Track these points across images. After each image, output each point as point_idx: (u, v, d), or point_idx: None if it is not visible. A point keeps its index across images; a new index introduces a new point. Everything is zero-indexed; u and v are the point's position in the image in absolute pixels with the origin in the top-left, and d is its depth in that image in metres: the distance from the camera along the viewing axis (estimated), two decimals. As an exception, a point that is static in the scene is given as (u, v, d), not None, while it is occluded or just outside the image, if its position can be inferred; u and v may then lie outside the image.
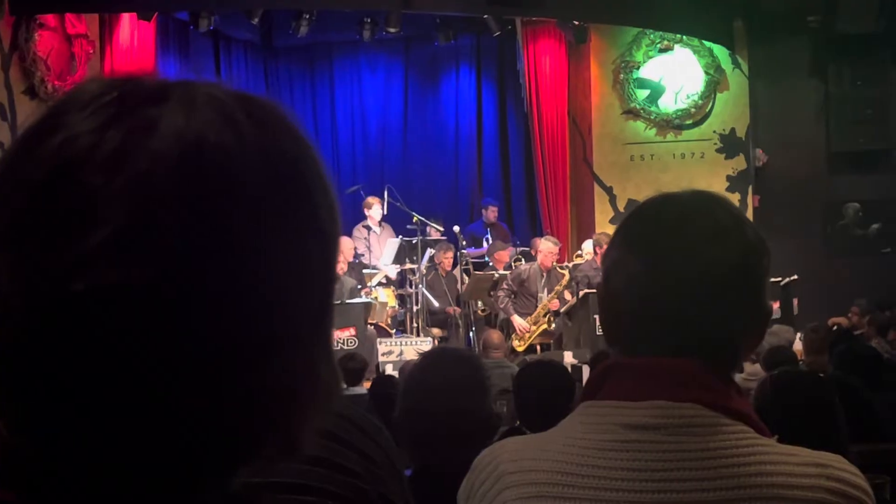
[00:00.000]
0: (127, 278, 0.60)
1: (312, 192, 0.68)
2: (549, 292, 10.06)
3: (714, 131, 12.20)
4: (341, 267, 9.75)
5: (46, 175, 0.62)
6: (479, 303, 10.77)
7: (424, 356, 2.61)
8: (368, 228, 11.16)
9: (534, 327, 10.00)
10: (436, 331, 10.39)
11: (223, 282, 0.62)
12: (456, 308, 10.53)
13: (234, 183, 0.64)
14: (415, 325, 10.41)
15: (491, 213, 11.96)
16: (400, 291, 10.82)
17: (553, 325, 10.06)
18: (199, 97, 0.65)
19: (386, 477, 1.19)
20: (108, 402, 0.61)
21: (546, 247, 10.17)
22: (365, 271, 10.67)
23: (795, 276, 10.29)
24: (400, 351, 9.43)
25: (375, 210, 11.10)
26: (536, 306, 10.04)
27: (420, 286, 10.43)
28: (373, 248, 11.09)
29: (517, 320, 9.97)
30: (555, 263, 10.23)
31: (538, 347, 10.06)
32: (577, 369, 7.86)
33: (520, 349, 9.90)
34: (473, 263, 11.23)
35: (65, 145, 0.62)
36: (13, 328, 0.61)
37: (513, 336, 9.96)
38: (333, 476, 1.14)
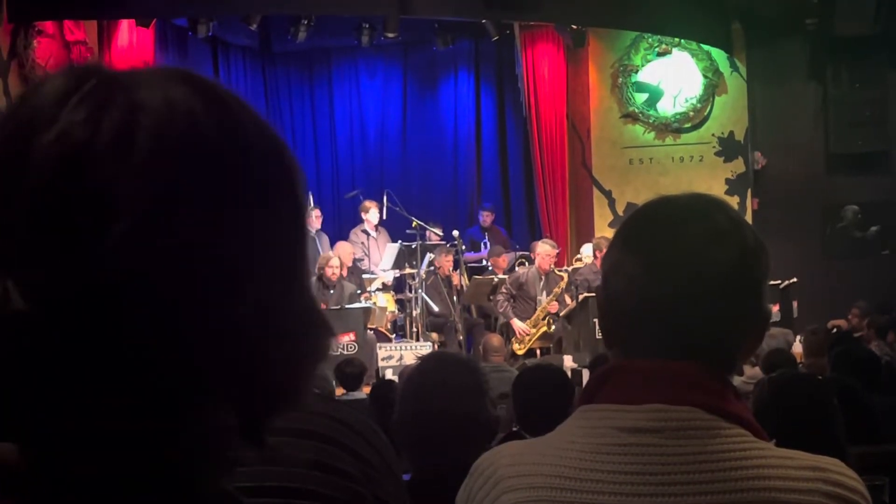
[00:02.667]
0: (160, 255, 0.61)
1: (290, 159, 0.71)
2: (547, 295, 10.07)
3: (713, 134, 12.21)
4: (339, 272, 9.76)
5: (50, 174, 0.62)
6: (473, 307, 10.80)
7: (422, 360, 2.61)
8: (366, 233, 11.18)
9: (533, 330, 10.01)
10: (435, 335, 10.39)
11: (242, 250, 0.65)
12: (458, 319, 10.52)
13: (238, 149, 0.66)
14: (414, 329, 10.41)
15: (487, 218, 11.97)
16: (399, 296, 10.83)
17: (552, 328, 10.07)
18: (167, 75, 0.67)
19: (382, 479, 1.20)
20: (112, 399, 0.62)
21: (543, 249, 10.18)
22: (364, 276, 10.68)
23: (795, 279, 10.30)
24: (400, 356, 9.44)
25: (372, 214, 11.11)
26: (536, 309, 10.05)
27: (419, 290, 10.44)
28: (370, 253, 11.11)
29: (517, 324, 9.98)
30: (553, 266, 10.24)
31: (538, 351, 10.07)
32: (576, 373, 7.86)
33: (520, 352, 9.91)
34: (472, 268, 11.23)
35: (60, 141, 0.62)
36: (21, 336, 0.61)
37: (513, 340, 9.96)
38: (329, 479, 1.15)
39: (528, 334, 10.00)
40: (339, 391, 6.85)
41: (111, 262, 0.60)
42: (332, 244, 10.90)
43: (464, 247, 10.96)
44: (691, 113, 12.20)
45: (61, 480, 0.62)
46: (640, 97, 12.23)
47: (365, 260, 11.07)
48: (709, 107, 12.22)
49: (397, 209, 11.08)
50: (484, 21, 11.46)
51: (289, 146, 0.71)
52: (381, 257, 11.03)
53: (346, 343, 9.10)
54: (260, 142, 0.68)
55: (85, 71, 0.66)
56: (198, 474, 0.65)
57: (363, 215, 11.17)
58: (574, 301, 9.81)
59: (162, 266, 0.61)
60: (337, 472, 1.15)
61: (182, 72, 0.68)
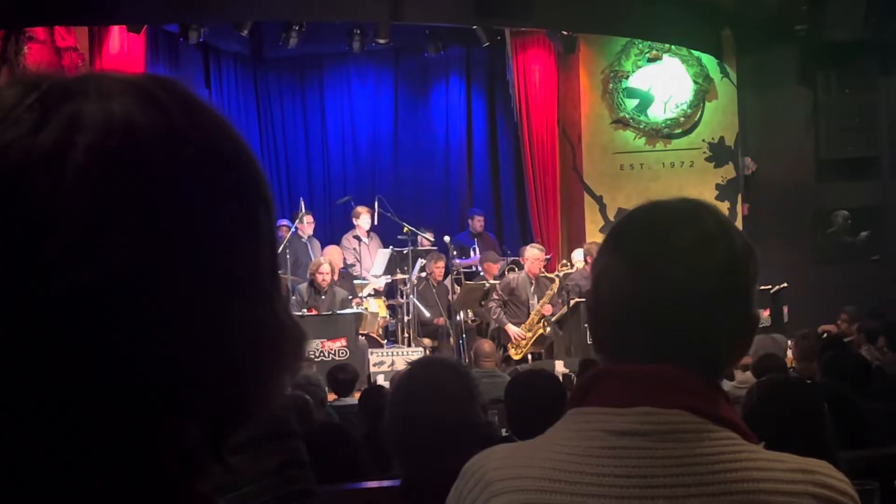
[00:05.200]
0: (102, 271, 0.61)
1: (246, 167, 0.69)
2: (538, 299, 10.07)
3: (703, 140, 12.24)
4: (329, 278, 9.75)
5: None
6: (470, 312, 10.78)
7: (411, 366, 2.62)
8: (358, 239, 11.18)
9: (528, 334, 10.01)
10: (426, 341, 10.39)
11: (189, 255, 0.64)
12: (439, 319, 10.51)
13: (178, 162, 0.65)
14: (406, 335, 10.41)
15: (477, 223, 11.97)
16: (391, 302, 10.83)
17: (548, 330, 10.07)
18: (115, 84, 0.66)
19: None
20: (85, 409, 0.62)
21: (532, 254, 10.19)
22: (356, 282, 10.67)
23: (785, 284, 10.33)
24: (391, 361, 9.42)
25: (364, 220, 11.11)
26: (527, 314, 10.05)
27: (411, 296, 10.44)
28: (362, 258, 11.10)
29: (511, 329, 9.98)
30: (542, 270, 10.25)
31: (529, 357, 10.07)
32: (568, 378, 7.86)
33: (517, 357, 9.91)
34: (464, 273, 11.24)
35: (1, 156, 0.62)
36: None
37: (509, 345, 9.96)
38: (297, 474, 1.16)
39: (524, 339, 10.00)
40: (331, 397, 6.85)
41: (49, 281, 0.60)
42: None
43: (454, 252, 10.96)
44: (682, 119, 12.23)
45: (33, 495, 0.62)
46: (631, 103, 12.25)
47: (357, 265, 11.07)
48: (699, 112, 12.25)
49: (389, 215, 11.08)
50: (475, 27, 11.48)
51: (250, 153, 0.70)
52: (373, 263, 11.03)
53: (337, 349, 9.09)
54: (205, 153, 0.66)
55: (33, 81, 0.66)
56: (172, 480, 0.65)
57: (355, 221, 11.17)
58: (565, 306, 9.82)
59: (101, 282, 0.61)
60: (299, 464, 1.16)
61: (137, 80, 0.67)
